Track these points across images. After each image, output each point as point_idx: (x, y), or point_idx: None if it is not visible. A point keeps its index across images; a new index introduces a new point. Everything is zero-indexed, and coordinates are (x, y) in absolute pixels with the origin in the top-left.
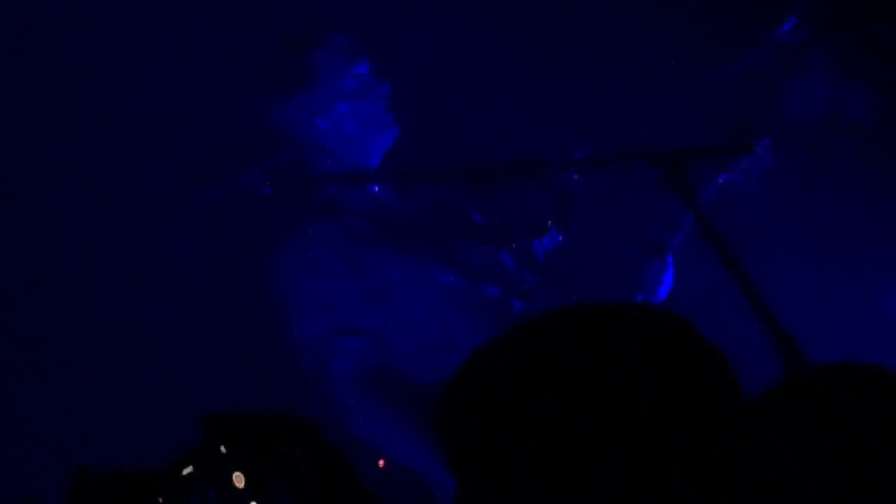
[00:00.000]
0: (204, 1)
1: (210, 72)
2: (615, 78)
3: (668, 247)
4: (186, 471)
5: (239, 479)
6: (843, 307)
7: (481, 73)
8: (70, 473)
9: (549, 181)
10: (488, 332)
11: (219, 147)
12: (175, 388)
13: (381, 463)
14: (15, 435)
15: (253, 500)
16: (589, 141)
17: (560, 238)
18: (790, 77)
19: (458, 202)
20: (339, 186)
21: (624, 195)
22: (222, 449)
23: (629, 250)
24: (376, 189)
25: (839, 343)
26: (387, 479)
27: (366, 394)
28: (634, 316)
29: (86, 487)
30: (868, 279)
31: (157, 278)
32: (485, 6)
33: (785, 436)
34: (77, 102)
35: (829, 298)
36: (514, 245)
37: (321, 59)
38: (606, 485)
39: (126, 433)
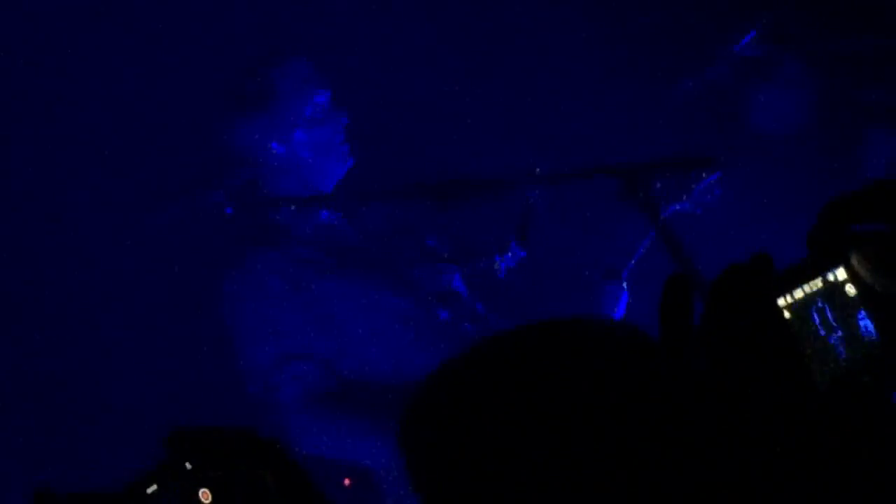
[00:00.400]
0: (169, 21)
1: (170, 90)
2: (576, 94)
3: (624, 269)
4: (150, 489)
5: (206, 496)
6: None
7: (440, 98)
8: (32, 495)
9: (510, 198)
10: (437, 355)
11: (175, 167)
12: (126, 411)
13: (346, 482)
14: None
15: None
16: (550, 157)
17: (522, 255)
18: (750, 89)
19: (412, 224)
20: (290, 212)
21: (580, 213)
22: (187, 465)
23: (585, 272)
24: (325, 215)
25: None
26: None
27: (315, 414)
28: (597, 330)
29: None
30: None
31: (110, 297)
32: (443, 29)
33: None
34: (38, 120)
35: None
36: (472, 264)
37: (280, 84)
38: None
39: (79, 455)
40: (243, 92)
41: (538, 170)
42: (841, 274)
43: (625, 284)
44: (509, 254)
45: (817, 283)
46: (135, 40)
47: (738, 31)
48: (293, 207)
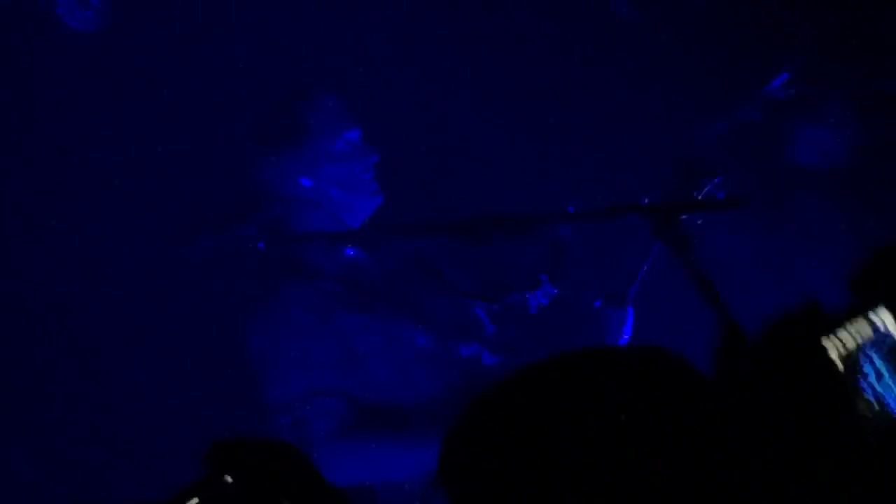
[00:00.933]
0: (201, 56)
1: (203, 125)
2: (607, 136)
3: (628, 297)
4: (192, 502)
5: None
6: None
7: (472, 139)
8: None
9: (540, 235)
10: (459, 392)
11: (208, 201)
12: (152, 442)
13: None
14: (13, 477)
15: None
16: (583, 196)
17: (554, 291)
18: (783, 129)
19: (438, 261)
20: (317, 247)
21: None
22: (227, 479)
23: (591, 301)
24: (350, 251)
25: None
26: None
27: (342, 445)
28: (626, 359)
29: None
30: None
31: (143, 330)
32: (475, 68)
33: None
34: (71, 156)
35: None
36: (500, 300)
37: (311, 120)
38: None
39: (116, 476)
40: (275, 127)
41: (571, 209)
42: (888, 319)
43: (630, 309)
44: (540, 290)
45: (867, 332)
46: (168, 73)
47: (771, 71)
48: (321, 243)
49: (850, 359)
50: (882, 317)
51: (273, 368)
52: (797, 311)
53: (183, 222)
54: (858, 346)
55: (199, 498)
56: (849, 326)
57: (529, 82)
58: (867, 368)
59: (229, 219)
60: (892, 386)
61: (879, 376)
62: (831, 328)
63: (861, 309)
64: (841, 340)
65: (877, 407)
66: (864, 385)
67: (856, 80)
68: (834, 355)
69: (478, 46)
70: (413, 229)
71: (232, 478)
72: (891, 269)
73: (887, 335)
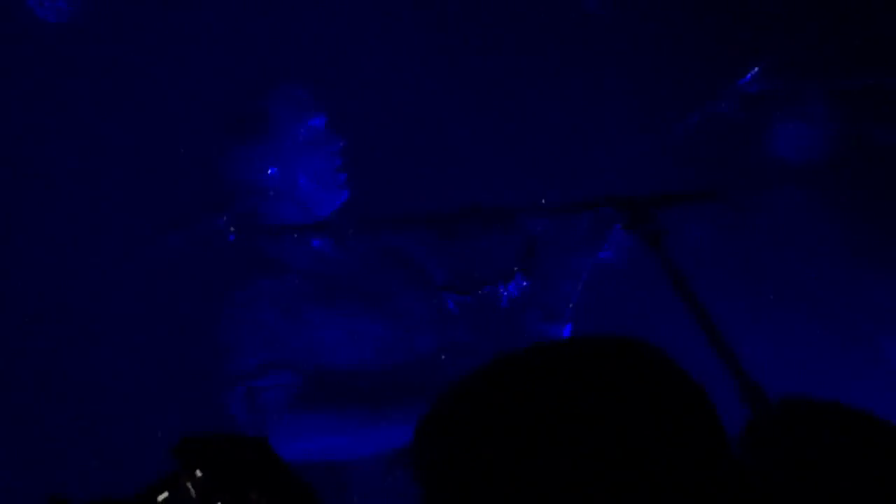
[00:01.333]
0: (167, 48)
1: (169, 117)
2: (581, 126)
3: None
4: (161, 497)
5: None
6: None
7: (441, 126)
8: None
9: (512, 228)
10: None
11: (175, 195)
12: (119, 418)
13: None
14: None
15: None
16: (556, 188)
17: (525, 284)
18: (755, 124)
19: (405, 253)
20: (285, 239)
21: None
22: (198, 473)
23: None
24: (317, 243)
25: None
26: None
27: (296, 417)
28: (603, 348)
29: None
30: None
31: (113, 315)
32: (444, 55)
33: (764, 464)
34: (41, 149)
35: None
36: (470, 293)
37: (277, 108)
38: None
39: (75, 463)
40: (241, 117)
41: (543, 201)
42: None
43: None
44: (513, 283)
45: None
46: (138, 65)
47: (742, 66)
48: (291, 234)
49: None
50: None
51: (234, 349)
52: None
53: (152, 215)
54: None
55: (169, 492)
56: None
57: (499, 72)
58: None
59: (199, 211)
60: None
61: None
62: None
63: None
64: None
65: None
66: None
67: (832, 74)
68: None
69: (447, 33)
70: (382, 222)
71: (202, 472)
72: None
73: None
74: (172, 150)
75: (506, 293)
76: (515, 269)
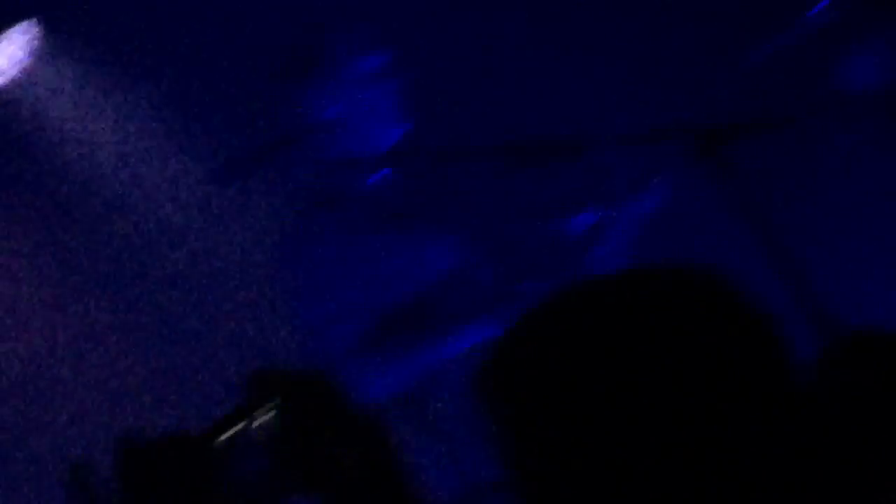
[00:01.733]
0: None
1: (230, 56)
2: (648, 58)
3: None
4: (228, 433)
5: (288, 439)
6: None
7: (503, 64)
8: (118, 440)
9: (583, 158)
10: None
11: (232, 133)
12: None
13: None
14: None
15: (306, 461)
16: (625, 119)
17: (597, 217)
18: (826, 55)
19: (472, 183)
20: (346, 173)
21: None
22: (270, 405)
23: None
24: (379, 175)
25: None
26: None
27: (366, 353)
28: (679, 276)
29: (135, 451)
30: None
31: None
32: None
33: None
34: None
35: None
36: (543, 224)
37: (336, 45)
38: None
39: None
40: (300, 55)
41: (612, 131)
42: None
43: None
44: (580, 216)
45: None
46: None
47: None
48: (351, 168)
49: None
50: None
51: (303, 292)
52: None
53: (216, 157)
54: None
55: (245, 424)
56: None
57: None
58: None
59: (261, 149)
60: None
61: None
62: None
63: None
64: None
65: None
66: None
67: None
68: None
69: None
70: (447, 152)
71: (276, 406)
72: None
73: None
74: (232, 90)
75: (571, 226)
76: (582, 201)
